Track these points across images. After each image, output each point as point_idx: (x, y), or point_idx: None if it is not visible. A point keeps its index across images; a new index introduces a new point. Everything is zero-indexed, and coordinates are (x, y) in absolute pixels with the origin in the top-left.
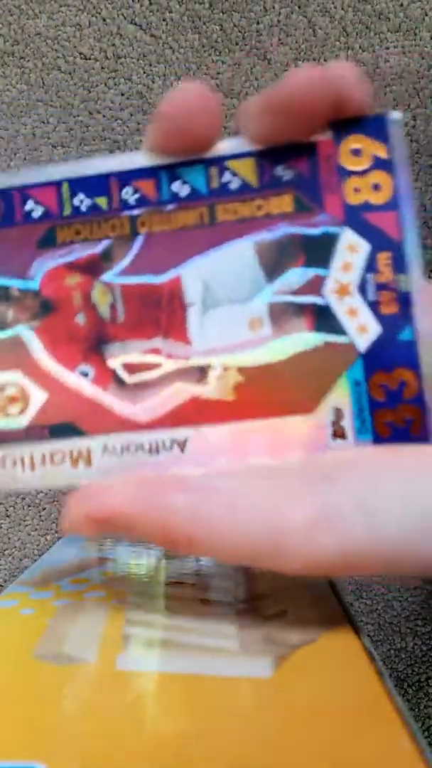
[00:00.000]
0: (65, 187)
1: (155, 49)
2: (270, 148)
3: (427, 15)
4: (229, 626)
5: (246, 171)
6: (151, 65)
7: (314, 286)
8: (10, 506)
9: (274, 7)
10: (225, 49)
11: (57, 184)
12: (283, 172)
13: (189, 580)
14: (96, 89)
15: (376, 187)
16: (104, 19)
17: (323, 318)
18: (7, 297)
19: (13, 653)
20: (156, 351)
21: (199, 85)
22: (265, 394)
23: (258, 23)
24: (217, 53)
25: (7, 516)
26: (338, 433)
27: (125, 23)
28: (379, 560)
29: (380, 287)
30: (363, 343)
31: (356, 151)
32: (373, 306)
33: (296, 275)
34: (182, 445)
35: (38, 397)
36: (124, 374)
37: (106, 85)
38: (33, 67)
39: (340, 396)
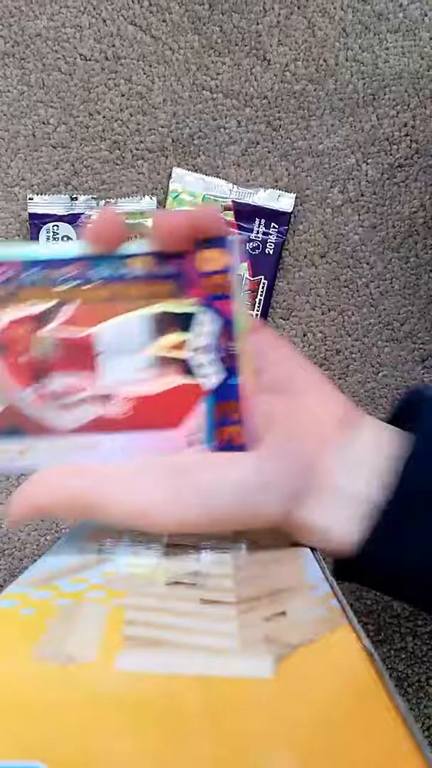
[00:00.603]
0: (22, 264)
1: (155, 50)
2: (158, 252)
3: (426, 15)
4: (229, 626)
5: (144, 264)
6: (151, 66)
7: (180, 346)
8: None
9: (274, 8)
10: (225, 50)
11: (18, 262)
12: (166, 268)
13: (189, 580)
14: (96, 90)
15: (220, 286)
16: (104, 21)
17: (186, 367)
18: None
19: (13, 653)
20: (75, 384)
21: (111, 215)
22: (146, 414)
23: (258, 23)
24: (217, 53)
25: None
26: (191, 443)
27: (125, 24)
28: (209, 522)
29: (221, 350)
30: (209, 384)
31: (209, 260)
32: (218, 361)
33: (169, 338)
34: (93, 447)
35: None
36: (54, 397)
37: (106, 86)
38: (33, 68)
39: (195, 419)
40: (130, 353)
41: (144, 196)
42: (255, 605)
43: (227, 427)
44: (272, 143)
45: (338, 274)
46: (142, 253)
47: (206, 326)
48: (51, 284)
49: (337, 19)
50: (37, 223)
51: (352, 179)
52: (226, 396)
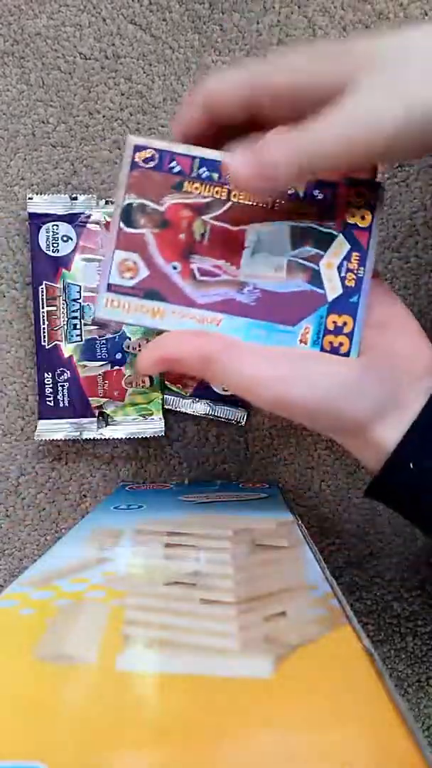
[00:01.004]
0: (197, 161)
1: (155, 49)
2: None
3: (427, 15)
4: (229, 626)
5: (299, 186)
6: (151, 65)
7: (315, 258)
8: (10, 506)
9: (274, 7)
10: (225, 49)
11: (192, 158)
12: (317, 194)
13: (189, 580)
14: (96, 89)
15: (363, 218)
16: (104, 19)
17: (315, 277)
18: (144, 210)
19: (13, 653)
20: (219, 267)
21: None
22: (272, 308)
23: (258, 23)
24: (217, 53)
25: (7, 516)
26: (302, 341)
27: (125, 23)
28: (303, 407)
29: (348, 270)
30: (331, 296)
31: (359, 194)
32: (342, 279)
33: (307, 249)
34: (219, 323)
35: (144, 272)
36: (197, 274)
37: (106, 85)
38: (33, 67)
39: (310, 322)
40: (272, 254)
41: None
42: (255, 605)
43: (337, 336)
44: None
45: None
46: None
47: (341, 248)
48: (217, 182)
49: (338, 19)
50: (36, 222)
51: None
52: (342, 310)
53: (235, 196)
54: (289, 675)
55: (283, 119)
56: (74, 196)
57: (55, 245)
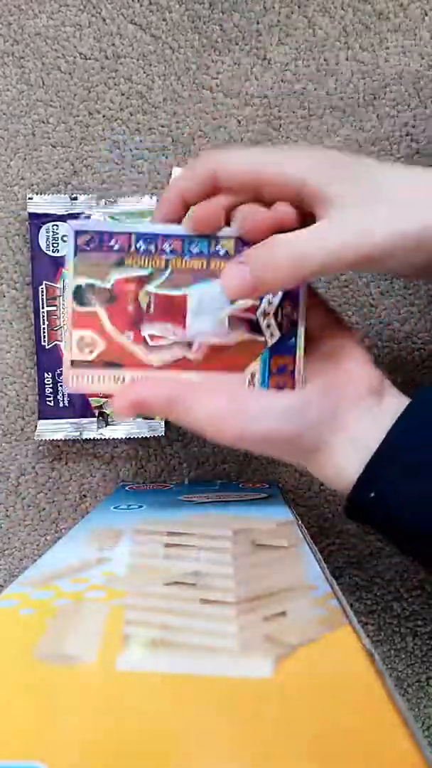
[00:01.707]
0: (134, 236)
1: (155, 49)
2: (241, 237)
3: (427, 15)
4: (229, 626)
5: (229, 246)
6: (151, 65)
7: (252, 309)
8: (10, 506)
9: (274, 7)
10: (225, 49)
11: (129, 234)
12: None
13: (189, 580)
14: (96, 89)
15: None
16: (104, 19)
17: (254, 326)
18: (92, 289)
19: (13, 653)
20: (167, 330)
21: (214, 207)
22: (219, 360)
23: (258, 23)
24: (217, 53)
25: (7, 516)
26: (250, 384)
27: (125, 23)
28: (261, 438)
29: (284, 316)
30: (270, 341)
31: None
32: (279, 324)
33: (243, 302)
34: (175, 380)
35: (101, 345)
36: (148, 340)
37: (106, 85)
38: (33, 67)
39: (255, 367)
40: (213, 312)
41: (144, 196)
42: (255, 605)
43: (281, 376)
44: (272, 143)
45: (338, 275)
46: (230, 236)
47: (275, 297)
48: (155, 253)
49: (338, 19)
50: (36, 222)
51: None
52: (282, 351)
53: (172, 263)
54: (289, 675)
55: (274, 201)
56: (74, 196)
57: (55, 245)
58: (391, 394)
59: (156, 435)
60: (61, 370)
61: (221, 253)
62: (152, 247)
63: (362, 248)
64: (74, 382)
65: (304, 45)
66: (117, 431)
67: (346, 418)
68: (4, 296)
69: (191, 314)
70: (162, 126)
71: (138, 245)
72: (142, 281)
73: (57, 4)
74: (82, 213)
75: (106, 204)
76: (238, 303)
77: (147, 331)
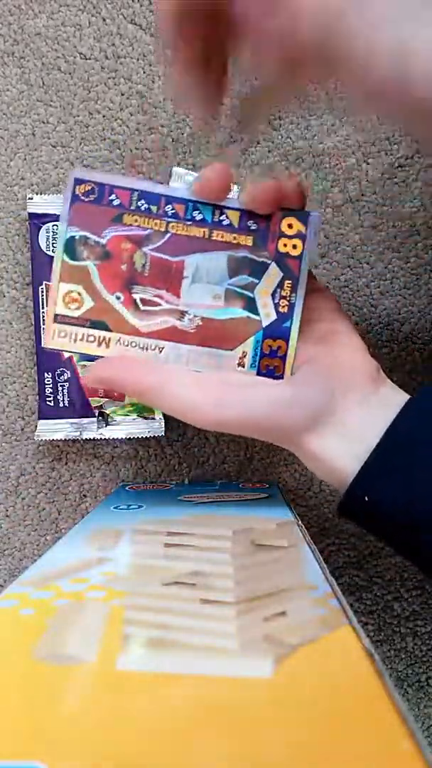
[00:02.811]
0: (136, 194)
1: (155, 49)
2: (248, 210)
3: None
4: (229, 626)
5: (233, 217)
6: (151, 65)
7: (250, 286)
8: (10, 506)
9: None
10: None
11: (131, 191)
12: (251, 224)
13: (189, 580)
14: (96, 89)
15: (294, 247)
16: (104, 19)
17: (250, 304)
18: (86, 243)
19: (13, 653)
20: (160, 296)
21: (225, 169)
22: (211, 334)
23: None
24: None
25: (7, 516)
26: (240, 364)
27: (125, 23)
28: (240, 425)
29: (282, 297)
30: (266, 321)
31: (290, 225)
32: (276, 305)
33: (243, 278)
34: (161, 350)
35: (88, 302)
36: (139, 303)
37: (106, 84)
38: (33, 67)
39: (246, 346)
40: (210, 283)
41: None
42: (255, 605)
43: (272, 359)
44: (272, 143)
45: (338, 274)
46: (235, 208)
47: (275, 276)
48: (156, 215)
49: None
50: (36, 222)
51: (353, 179)
52: (276, 334)
53: (173, 227)
54: (289, 675)
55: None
56: None
57: (55, 245)
58: (388, 385)
59: (156, 435)
60: (61, 370)
61: (224, 223)
62: (154, 208)
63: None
64: (54, 336)
65: None
66: (117, 431)
67: (339, 407)
68: (4, 296)
69: (187, 283)
70: (162, 126)
71: (139, 203)
72: (139, 241)
73: (57, 4)
74: None
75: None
76: (237, 278)
77: (139, 294)
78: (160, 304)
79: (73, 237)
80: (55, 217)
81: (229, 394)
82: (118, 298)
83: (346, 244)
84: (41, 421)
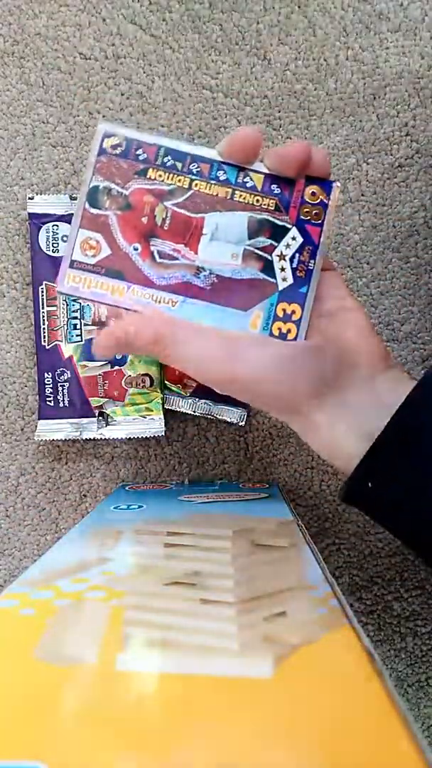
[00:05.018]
0: (162, 150)
1: (155, 49)
2: (273, 174)
3: (427, 15)
4: (229, 626)
5: (257, 180)
6: (151, 65)
7: (269, 249)
8: (10, 506)
9: (274, 7)
10: (225, 49)
11: (158, 147)
12: (275, 188)
13: (189, 580)
14: (96, 89)
15: (316, 214)
16: (104, 19)
17: (267, 266)
18: (109, 193)
19: (13, 653)
20: (178, 251)
21: (256, 132)
22: (226, 293)
23: (258, 23)
24: (217, 53)
25: (7, 516)
26: (252, 325)
27: (125, 23)
28: (248, 385)
29: (300, 262)
30: (282, 285)
31: (313, 193)
32: (294, 270)
33: (262, 240)
34: (174, 304)
35: (106, 251)
36: (156, 256)
37: (106, 85)
38: (33, 67)
39: (260, 308)
40: (229, 242)
41: None
42: (255, 605)
43: (285, 323)
44: (272, 143)
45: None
46: (260, 171)
47: (294, 241)
48: (180, 172)
49: (338, 19)
50: (36, 222)
51: (353, 179)
52: (291, 299)
53: (196, 185)
54: (289, 675)
55: None
56: (74, 196)
57: (55, 245)
58: (397, 368)
59: (156, 435)
60: (61, 370)
61: (248, 185)
62: (179, 164)
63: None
64: (70, 281)
65: (304, 45)
66: (117, 431)
67: (346, 383)
68: (4, 296)
69: (206, 240)
70: (162, 126)
71: (165, 160)
72: (161, 195)
73: (57, 4)
74: None
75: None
76: (256, 239)
77: (157, 247)
78: (177, 258)
79: (96, 186)
80: (56, 217)
81: (241, 349)
82: (135, 249)
83: (346, 244)
84: (41, 421)
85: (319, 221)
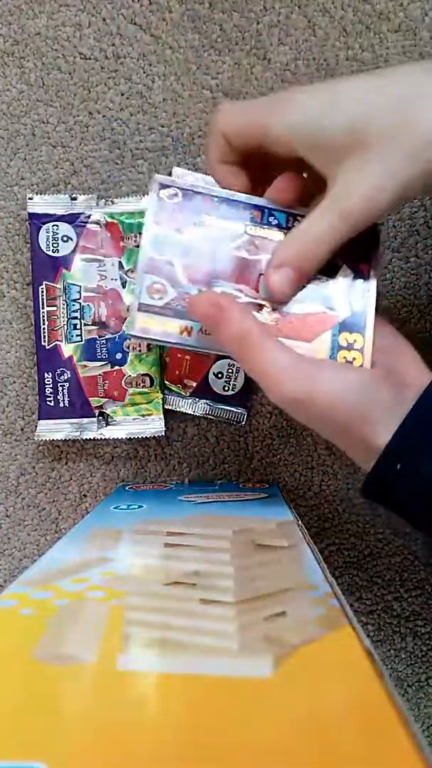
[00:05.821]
0: (216, 200)
1: (155, 49)
2: None
3: (427, 15)
4: (229, 626)
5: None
6: (151, 65)
7: (324, 284)
8: (10, 506)
9: (274, 7)
10: (225, 49)
11: (212, 197)
12: None
13: (189, 580)
14: (96, 89)
15: (366, 256)
16: (104, 19)
17: (326, 300)
18: (169, 240)
19: (13, 653)
20: (240, 291)
21: (296, 179)
22: (289, 326)
23: (258, 23)
24: (217, 53)
25: (7, 516)
26: (319, 353)
27: (125, 23)
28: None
29: (354, 295)
30: (342, 316)
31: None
32: (350, 302)
33: (317, 276)
34: None
35: (172, 293)
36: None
37: (105, 85)
38: (33, 67)
39: (324, 340)
40: None
41: (144, 195)
42: (255, 605)
43: (350, 351)
44: None
45: None
46: (305, 214)
47: (347, 276)
48: (236, 219)
49: (338, 18)
50: (36, 222)
51: None
52: (352, 328)
53: (251, 230)
54: (289, 675)
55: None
56: (74, 196)
57: (55, 245)
58: None
59: (156, 435)
60: (61, 370)
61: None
62: (233, 211)
63: (372, 211)
64: (141, 323)
65: (304, 45)
66: (117, 431)
67: (398, 406)
68: (4, 296)
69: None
70: (162, 126)
71: (221, 208)
72: (221, 241)
73: (57, 4)
74: (82, 213)
75: (106, 204)
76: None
77: (220, 288)
78: (239, 297)
79: (158, 234)
80: (56, 217)
81: (320, 370)
82: (199, 291)
83: None
84: (41, 421)
85: (368, 261)
